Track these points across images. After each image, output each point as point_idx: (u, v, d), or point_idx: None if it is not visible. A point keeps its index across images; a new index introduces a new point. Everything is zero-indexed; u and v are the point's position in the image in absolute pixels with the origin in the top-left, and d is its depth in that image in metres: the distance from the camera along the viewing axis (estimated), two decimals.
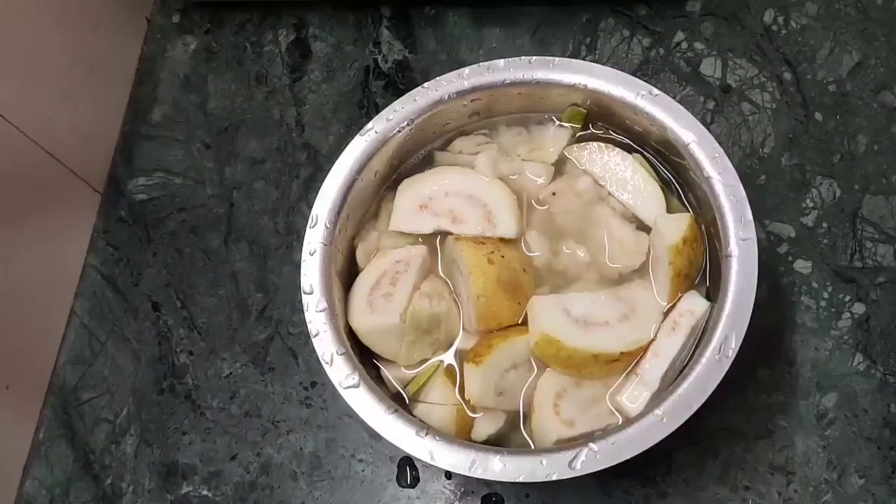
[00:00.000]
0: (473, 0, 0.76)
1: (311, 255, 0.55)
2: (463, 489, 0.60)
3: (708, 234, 0.55)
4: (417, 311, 0.54)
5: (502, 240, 0.56)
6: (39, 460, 0.65)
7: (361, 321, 0.55)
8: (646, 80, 0.57)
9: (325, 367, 0.51)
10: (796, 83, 0.70)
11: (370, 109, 0.73)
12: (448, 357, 0.55)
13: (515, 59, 0.59)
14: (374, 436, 0.55)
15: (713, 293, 0.54)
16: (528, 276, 0.56)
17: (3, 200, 0.62)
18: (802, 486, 0.57)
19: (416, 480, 0.61)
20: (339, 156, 0.57)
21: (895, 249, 0.63)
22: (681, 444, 0.58)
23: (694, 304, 0.53)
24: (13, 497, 0.64)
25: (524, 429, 0.53)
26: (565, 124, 0.61)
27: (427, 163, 0.62)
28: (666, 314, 0.54)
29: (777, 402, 0.59)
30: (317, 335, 0.52)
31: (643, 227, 0.57)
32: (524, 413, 0.54)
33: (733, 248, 0.51)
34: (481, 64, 0.59)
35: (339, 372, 0.51)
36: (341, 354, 0.52)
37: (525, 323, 0.54)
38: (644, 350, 0.52)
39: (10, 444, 0.64)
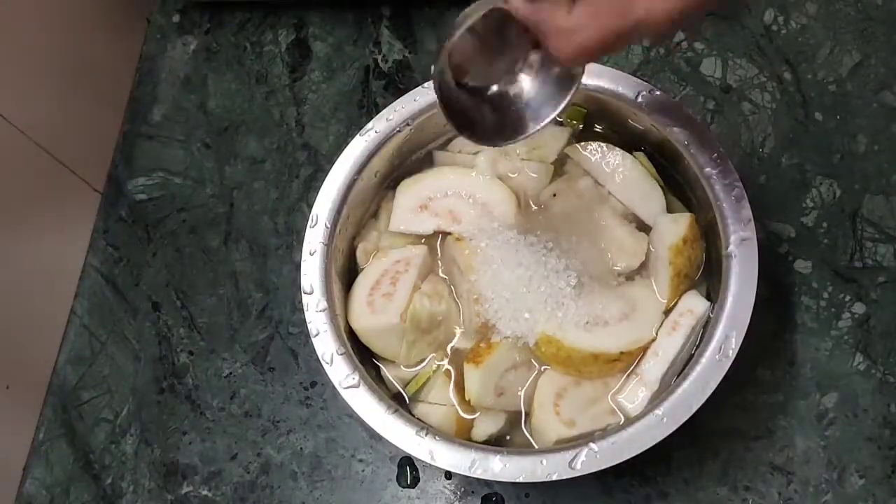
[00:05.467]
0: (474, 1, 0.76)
1: (311, 255, 0.55)
2: (463, 489, 0.60)
3: (708, 234, 0.55)
4: (417, 311, 0.54)
5: None
6: (39, 460, 0.65)
7: (361, 321, 0.55)
8: (646, 80, 0.57)
9: (325, 367, 0.51)
10: (796, 83, 0.70)
11: (370, 109, 0.73)
12: (447, 357, 0.55)
13: None
14: (374, 436, 0.55)
15: (713, 293, 0.54)
16: None
17: (4, 200, 0.62)
18: (802, 485, 0.57)
19: (416, 480, 0.61)
20: (339, 156, 0.57)
21: (895, 249, 0.63)
22: (681, 444, 0.58)
23: (694, 304, 0.53)
24: (13, 497, 0.64)
25: (525, 429, 0.53)
26: (566, 123, 0.61)
27: (427, 163, 0.62)
28: (666, 314, 0.54)
29: (777, 402, 0.59)
30: (317, 335, 0.52)
31: (643, 227, 0.57)
32: (524, 413, 0.54)
33: (733, 247, 0.51)
34: None
35: (339, 372, 0.51)
36: (341, 354, 0.52)
37: None
38: (644, 350, 0.52)
39: (10, 444, 0.64)
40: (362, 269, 0.58)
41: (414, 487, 0.60)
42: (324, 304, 0.53)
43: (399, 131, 0.58)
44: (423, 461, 0.49)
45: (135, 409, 0.65)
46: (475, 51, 0.45)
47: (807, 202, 0.65)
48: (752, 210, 0.52)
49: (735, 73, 0.70)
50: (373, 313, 0.55)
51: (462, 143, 0.61)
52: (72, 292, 0.70)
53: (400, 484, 0.61)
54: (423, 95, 0.58)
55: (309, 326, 0.53)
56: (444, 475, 0.60)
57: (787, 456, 0.58)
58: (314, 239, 0.55)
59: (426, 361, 0.56)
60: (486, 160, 0.59)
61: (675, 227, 0.54)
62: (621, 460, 0.47)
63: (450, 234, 0.57)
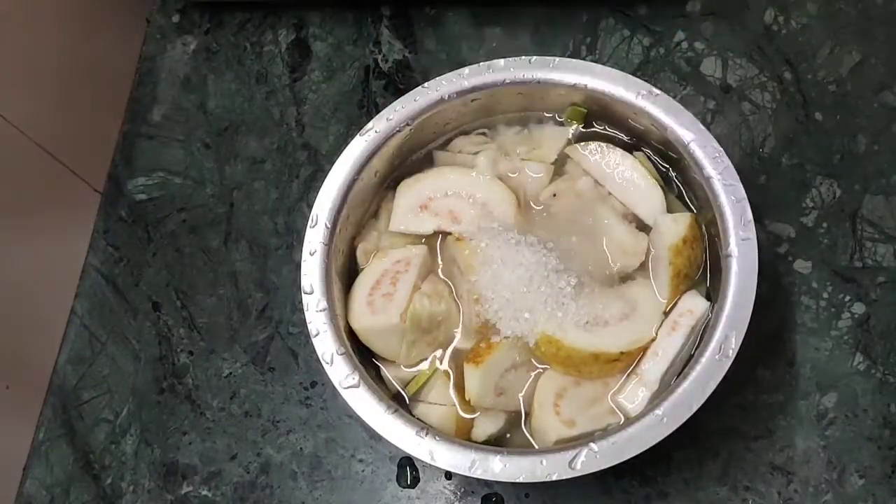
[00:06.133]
0: (473, 0, 0.76)
1: (311, 255, 0.55)
2: (463, 489, 0.60)
3: (708, 233, 0.55)
4: (417, 311, 0.54)
5: None
6: (39, 460, 0.65)
7: (361, 321, 0.55)
8: (646, 80, 0.57)
9: (325, 367, 0.51)
10: (796, 83, 0.70)
11: (370, 109, 0.73)
12: (447, 357, 0.55)
13: (516, 58, 0.59)
14: (374, 436, 0.55)
15: (713, 293, 0.54)
16: None
17: (4, 200, 0.62)
18: (802, 485, 0.57)
19: (416, 480, 0.61)
20: (339, 156, 0.57)
21: (895, 249, 0.63)
22: (681, 444, 0.58)
23: (694, 304, 0.53)
24: (13, 497, 0.64)
25: (525, 428, 0.53)
26: (566, 123, 0.61)
27: (427, 163, 0.62)
28: (666, 314, 0.54)
29: (777, 402, 0.59)
30: (317, 335, 0.52)
31: (643, 227, 0.57)
32: (524, 413, 0.54)
33: (733, 247, 0.51)
34: (481, 64, 0.59)
35: (339, 372, 0.51)
36: (341, 354, 0.52)
37: None
38: (644, 350, 0.52)
39: (10, 444, 0.64)
40: (362, 269, 0.58)
41: (414, 487, 0.60)
42: (324, 304, 0.53)
43: (399, 131, 0.58)
44: (423, 461, 0.49)
45: (135, 409, 0.65)
46: None
47: (807, 202, 0.65)
48: (752, 210, 0.52)
49: (735, 73, 0.70)
50: (373, 313, 0.55)
51: (462, 142, 0.61)
52: (72, 292, 0.70)
53: (400, 484, 0.61)
54: (423, 95, 0.58)
55: (309, 326, 0.53)
56: (444, 475, 0.60)
57: (787, 456, 0.58)
58: (314, 239, 0.55)
59: (426, 361, 0.56)
60: (487, 161, 0.59)
61: (675, 227, 0.54)
62: (621, 460, 0.47)
63: (450, 234, 0.57)
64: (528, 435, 0.53)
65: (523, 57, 0.59)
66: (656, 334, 0.53)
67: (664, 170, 0.58)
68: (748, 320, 0.49)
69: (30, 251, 0.65)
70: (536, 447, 0.53)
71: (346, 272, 0.57)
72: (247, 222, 0.71)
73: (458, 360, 0.55)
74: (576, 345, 0.51)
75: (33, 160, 0.65)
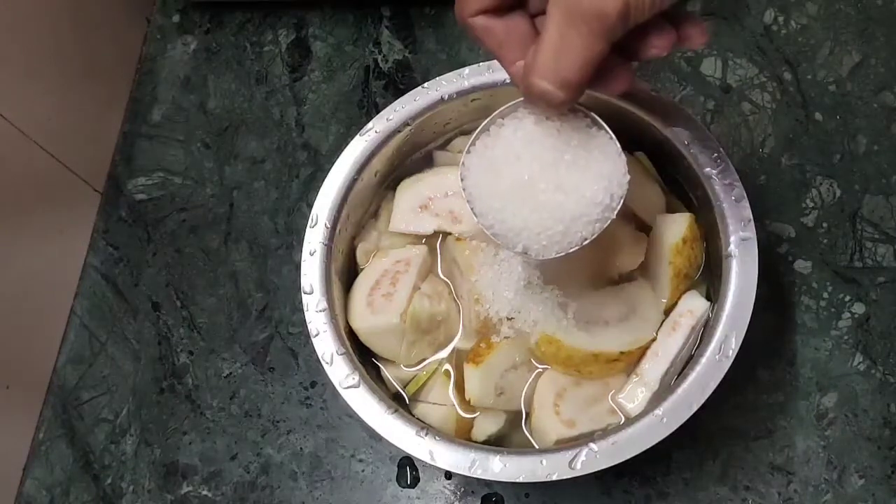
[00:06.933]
0: None
1: (311, 255, 0.55)
2: (463, 489, 0.60)
3: (708, 233, 0.55)
4: (417, 311, 0.54)
5: None
6: (39, 460, 0.65)
7: (361, 321, 0.55)
8: (646, 80, 0.57)
9: (325, 367, 0.51)
10: (796, 83, 0.70)
11: (370, 109, 0.73)
12: (447, 357, 0.55)
13: None
14: (374, 436, 0.55)
15: (713, 293, 0.54)
16: None
17: (4, 200, 0.62)
18: (802, 486, 0.57)
19: (416, 480, 0.61)
20: (339, 156, 0.57)
21: (895, 249, 0.63)
22: (681, 444, 0.58)
23: (694, 304, 0.53)
24: (13, 497, 0.64)
25: (525, 428, 0.53)
26: None
27: (427, 163, 0.62)
28: (666, 314, 0.54)
29: (777, 402, 0.59)
30: (317, 335, 0.52)
31: (643, 227, 0.57)
32: (524, 413, 0.54)
33: (733, 248, 0.51)
34: (481, 64, 0.59)
35: (339, 372, 0.51)
36: (341, 354, 0.52)
37: None
38: (644, 350, 0.52)
39: (10, 444, 0.64)
40: (362, 269, 0.58)
41: (414, 487, 0.60)
42: (324, 304, 0.53)
43: (399, 131, 0.58)
44: (423, 461, 0.49)
45: (135, 409, 0.65)
46: None
47: (807, 202, 0.65)
48: (752, 210, 0.52)
49: (735, 73, 0.70)
50: (373, 313, 0.55)
51: (462, 142, 0.61)
52: (72, 292, 0.70)
53: (400, 484, 0.61)
54: (423, 95, 0.58)
55: (309, 326, 0.53)
56: (444, 475, 0.60)
57: (787, 456, 0.58)
58: (314, 239, 0.55)
59: (426, 361, 0.56)
60: None
61: (675, 227, 0.54)
62: (621, 460, 0.47)
63: (450, 234, 0.57)
64: (528, 435, 0.53)
65: None
66: (656, 334, 0.53)
67: (664, 170, 0.58)
68: (748, 320, 0.49)
69: (30, 251, 0.65)
70: (536, 447, 0.53)
71: (346, 272, 0.57)
72: (247, 222, 0.71)
73: (458, 360, 0.55)
74: (576, 345, 0.51)
75: (33, 160, 0.65)
